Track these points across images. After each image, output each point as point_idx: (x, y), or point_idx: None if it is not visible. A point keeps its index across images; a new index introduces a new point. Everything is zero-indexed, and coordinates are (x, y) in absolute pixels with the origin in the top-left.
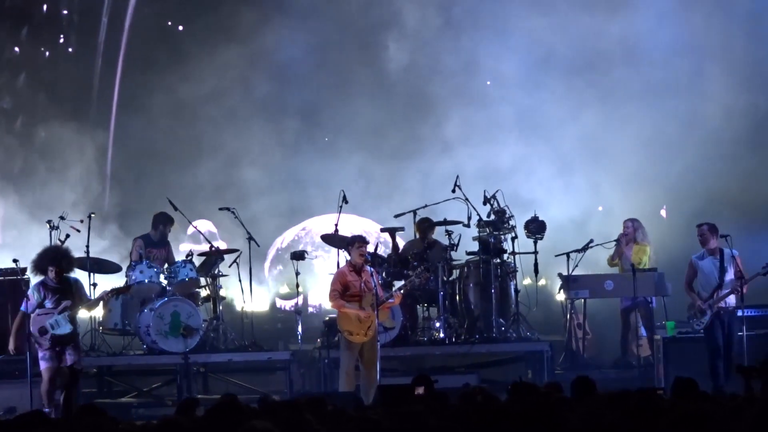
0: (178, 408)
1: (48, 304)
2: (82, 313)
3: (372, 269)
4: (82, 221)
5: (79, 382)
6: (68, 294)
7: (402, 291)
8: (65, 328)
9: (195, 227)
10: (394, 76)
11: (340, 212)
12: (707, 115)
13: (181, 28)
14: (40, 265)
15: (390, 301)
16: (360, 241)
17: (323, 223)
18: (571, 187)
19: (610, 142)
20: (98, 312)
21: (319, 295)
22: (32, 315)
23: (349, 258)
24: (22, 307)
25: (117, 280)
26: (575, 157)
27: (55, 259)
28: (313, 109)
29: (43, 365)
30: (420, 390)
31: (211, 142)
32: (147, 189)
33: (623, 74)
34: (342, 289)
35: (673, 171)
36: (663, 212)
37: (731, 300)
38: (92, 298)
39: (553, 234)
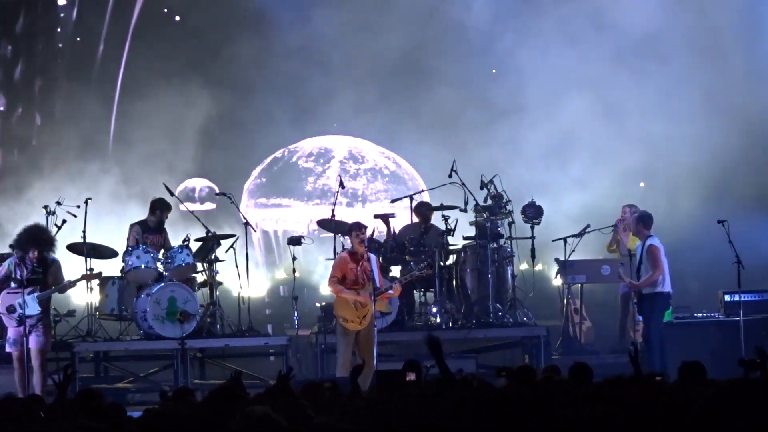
0: (173, 396)
1: (19, 277)
2: (79, 300)
3: (374, 256)
4: (78, 206)
5: (44, 366)
6: (44, 276)
7: (402, 282)
8: (33, 309)
9: (189, 210)
10: None
11: (336, 198)
12: None
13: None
14: (22, 245)
15: (389, 292)
16: (358, 228)
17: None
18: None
19: None
20: (95, 297)
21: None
22: (2, 294)
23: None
24: None
25: (114, 266)
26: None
27: (38, 242)
28: None
29: (9, 347)
30: (411, 376)
31: None
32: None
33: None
34: (341, 277)
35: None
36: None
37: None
38: (66, 281)
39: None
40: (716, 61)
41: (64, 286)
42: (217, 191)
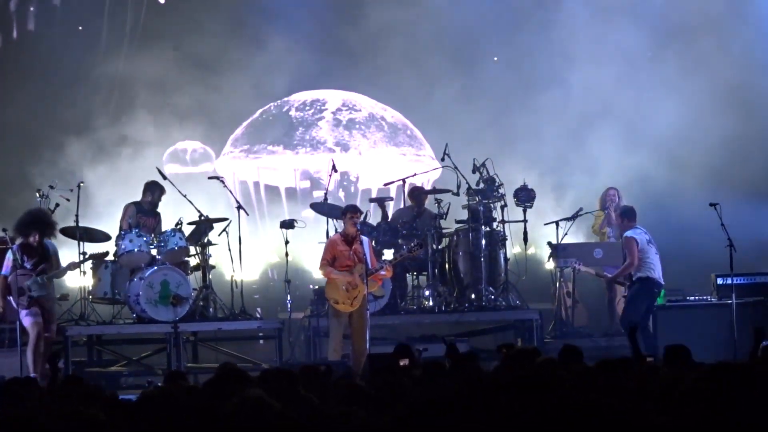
0: (165, 379)
1: (27, 265)
2: (72, 283)
3: (366, 239)
4: (72, 190)
5: (50, 350)
6: (46, 258)
7: (392, 263)
8: (41, 291)
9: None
10: None
11: (329, 181)
12: None
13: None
14: (23, 229)
15: (381, 273)
16: (352, 210)
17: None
18: None
19: None
20: (87, 281)
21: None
22: (11, 276)
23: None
24: (3, 271)
25: (106, 249)
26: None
27: (39, 225)
28: None
29: (28, 321)
30: (405, 361)
31: None
32: None
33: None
34: (331, 259)
35: None
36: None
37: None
38: (62, 266)
39: None
40: (716, 43)
41: (64, 269)
42: (210, 175)
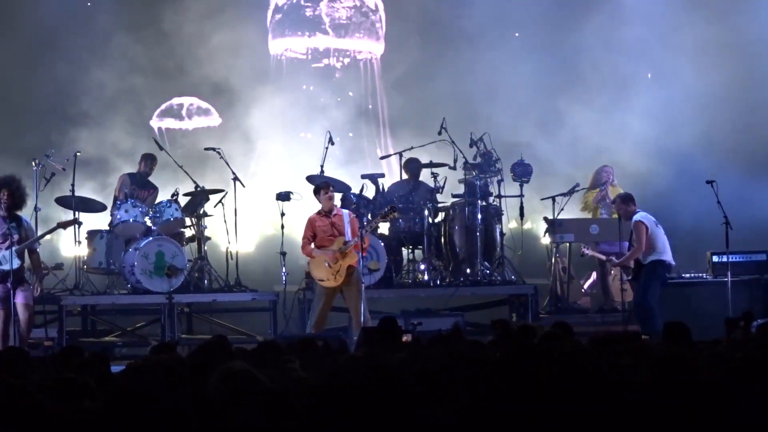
0: (155, 350)
1: None
2: (67, 253)
3: (347, 212)
4: (67, 160)
5: (32, 320)
6: (18, 229)
7: (368, 231)
8: (14, 263)
9: (178, 164)
10: None
11: (326, 153)
12: None
13: None
14: None
15: (356, 241)
16: (325, 187)
17: None
18: None
19: None
20: (82, 251)
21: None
22: None
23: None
24: None
25: (102, 219)
26: None
27: (6, 182)
28: None
29: None
30: (407, 337)
31: None
32: None
33: None
34: (312, 236)
35: None
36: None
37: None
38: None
39: None
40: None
41: (42, 236)
42: (207, 147)
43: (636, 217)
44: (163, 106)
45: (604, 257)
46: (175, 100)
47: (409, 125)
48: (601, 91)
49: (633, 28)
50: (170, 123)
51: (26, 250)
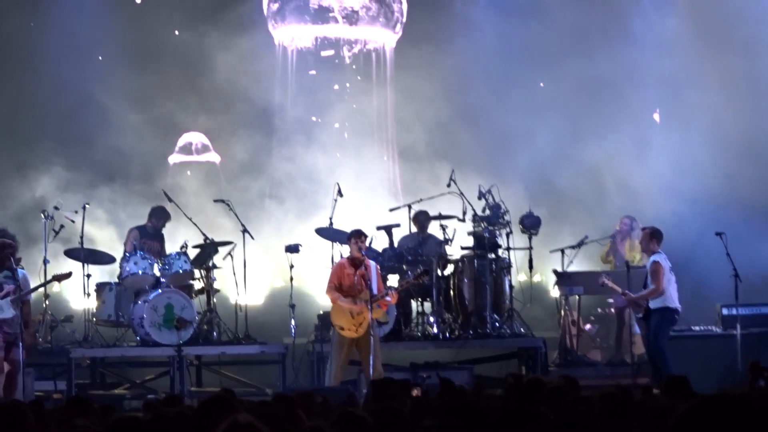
0: (162, 403)
1: None
2: (77, 305)
3: (374, 263)
4: (76, 212)
5: (19, 373)
6: (12, 280)
7: (398, 289)
8: (7, 313)
9: (187, 216)
10: None
11: (335, 206)
12: None
13: None
14: None
15: (386, 299)
16: (357, 235)
17: None
18: None
19: None
20: (92, 303)
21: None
22: None
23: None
24: None
25: (111, 271)
26: None
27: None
28: None
29: None
30: (417, 391)
31: None
32: None
33: None
34: (338, 283)
35: None
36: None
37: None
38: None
39: None
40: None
41: (35, 288)
42: (215, 198)
43: (654, 257)
44: (180, 143)
45: (620, 289)
46: (186, 137)
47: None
48: (617, 133)
49: (653, 65)
50: (181, 157)
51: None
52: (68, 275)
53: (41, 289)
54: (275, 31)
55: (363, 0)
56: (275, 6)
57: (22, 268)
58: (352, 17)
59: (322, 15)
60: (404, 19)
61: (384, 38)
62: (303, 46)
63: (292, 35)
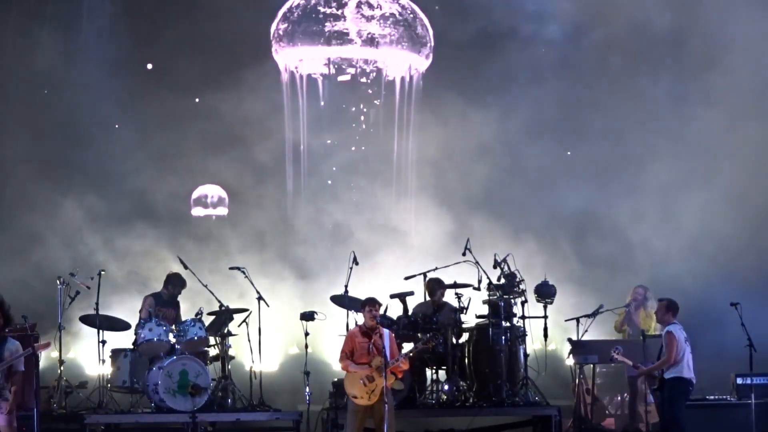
0: None
1: None
2: (91, 371)
3: (388, 331)
4: (92, 278)
5: None
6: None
7: (411, 355)
8: None
9: (203, 284)
10: None
11: (350, 273)
12: None
13: None
14: None
15: (399, 366)
16: (371, 303)
17: None
18: None
19: None
20: (106, 369)
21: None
22: None
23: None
24: None
25: (127, 338)
26: None
27: None
28: None
29: None
30: None
31: None
32: None
33: None
34: (350, 352)
35: None
36: None
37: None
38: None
39: None
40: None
41: (17, 358)
42: (231, 266)
43: (668, 328)
44: (195, 195)
45: (631, 363)
46: (201, 190)
47: None
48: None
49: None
50: (199, 211)
51: (9, 370)
52: (47, 345)
53: (56, 355)
54: (281, 53)
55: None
56: (283, 27)
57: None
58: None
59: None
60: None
61: (412, 62)
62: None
63: (300, 57)
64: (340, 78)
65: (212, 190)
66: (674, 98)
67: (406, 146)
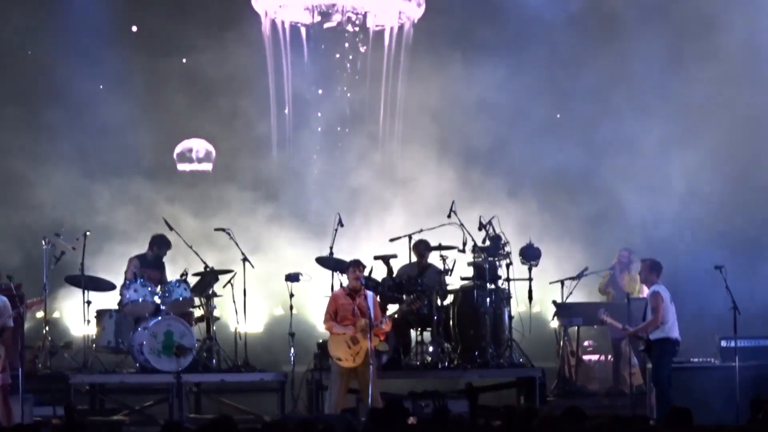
0: (162, 429)
1: None
2: (77, 332)
3: (371, 293)
4: (78, 239)
5: (6, 400)
6: None
7: (395, 317)
8: None
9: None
10: None
11: (335, 235)
12: None
13: None
14: None
15: (382, 327)
16: (355, 265)
17: None
18: None
19: None
20: (91, 330)
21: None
22: None
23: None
24: None
25: (111, 298)
26: None
27: None
28: None
29: None
30: (413, 420)
31: None
32: None
33: None
34: (334, 313)
35: None
36: None
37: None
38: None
39: None
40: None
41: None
42: (216, 227)
43: (654, 288)
44: (178, 149)
45: (619, 325)
46: (186, 143)
47: None
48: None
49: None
50: (184, 166)
51: None
52: (39, 302)
53: (41, 315)
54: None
55: None
56: None
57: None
58: None
59: None
60: None
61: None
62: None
63: (280, 3)
64: (326, 25)
65: (198, 144)
66: (666, 59)
67: (394, 97)
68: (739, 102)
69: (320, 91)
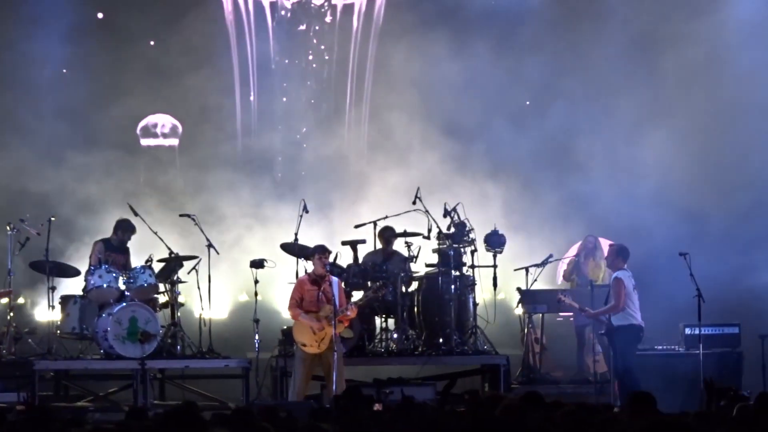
0: (127, 415)
1: None
2: (41, 317)
3: (336, 279)
4: (42, 224)
5: None
6: None
7: (358, 304)
8: None
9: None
10: None
11: (300, 221)
12: None
13: None
14: None
15: (347, 314)
16: (321, 251)
17: None
18: None
19: None
20: (56, 316)
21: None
22: None
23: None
24: None
25: (76, 284)
26: None
27: None
28: None
29: None
30: (378, 406)
31: None
32: None
33: None
34: (299, 299)
35: None
36: None
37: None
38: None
39: None
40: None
41: None
42: (181, 213)
43: (617, 274)
44: (142, 123)
45: (577, 305)
46: (150, 119)
47: None
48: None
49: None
50: (149, 141)
51: None
52: (8, 293)
53: (5, 301)
54: None
55: None
56: None
57: None
58: None
59: None
60: None
61: None
62: None
63: None
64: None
65: (163, 119)
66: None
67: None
68: (710, 86)
69: (286, 61)
